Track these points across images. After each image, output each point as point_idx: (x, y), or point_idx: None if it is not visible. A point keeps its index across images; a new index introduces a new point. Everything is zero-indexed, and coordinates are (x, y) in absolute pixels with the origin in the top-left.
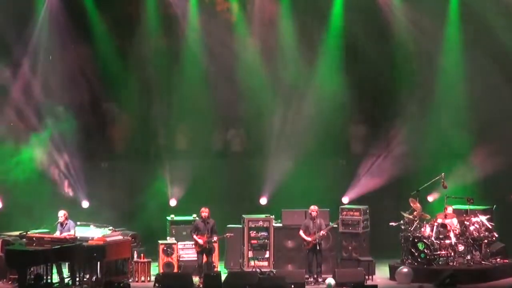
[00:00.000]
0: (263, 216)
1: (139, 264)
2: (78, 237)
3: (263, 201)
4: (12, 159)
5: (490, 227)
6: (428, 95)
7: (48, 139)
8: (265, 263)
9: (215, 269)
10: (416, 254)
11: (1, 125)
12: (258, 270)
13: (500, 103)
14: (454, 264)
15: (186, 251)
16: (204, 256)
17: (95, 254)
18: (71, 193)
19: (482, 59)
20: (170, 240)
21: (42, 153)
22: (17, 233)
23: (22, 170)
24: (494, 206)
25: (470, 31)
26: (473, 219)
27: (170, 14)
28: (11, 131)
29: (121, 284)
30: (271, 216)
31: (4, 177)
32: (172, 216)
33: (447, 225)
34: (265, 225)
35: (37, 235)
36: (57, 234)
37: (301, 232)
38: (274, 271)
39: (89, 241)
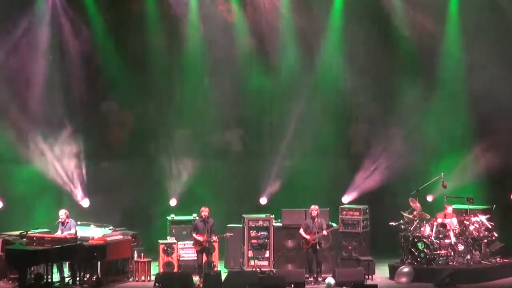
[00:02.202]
0: (263, 215)
1: (139, 263)
2: (79, 237)
3: (263, 201)
4: (12, 159)
5: (490, 226)
6: (428, 94)
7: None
8: (265, 263)
9: (215, 269)
10: (416, 253)
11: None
12: (258, 269)
13: (500, 103)
14: (454, 263)
15: (186, 251)
16: (204, 255)
17: (95, 254)
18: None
19: (483, 56)
20: (170, 239)
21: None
22: (17, 232)
23: (23, 170)
24: (494, 206)
25: (470, 28)
26: (473, 219)
27: (170, 14)
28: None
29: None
30: (271, 216)
31: (5, 176)
32: (172, 216)
33: (447, 225)
34: (265, 225)
35: (37, 234)
36: (58, 233)
37: (301, 231)
38: (274, 270)
39: (89, 241)
